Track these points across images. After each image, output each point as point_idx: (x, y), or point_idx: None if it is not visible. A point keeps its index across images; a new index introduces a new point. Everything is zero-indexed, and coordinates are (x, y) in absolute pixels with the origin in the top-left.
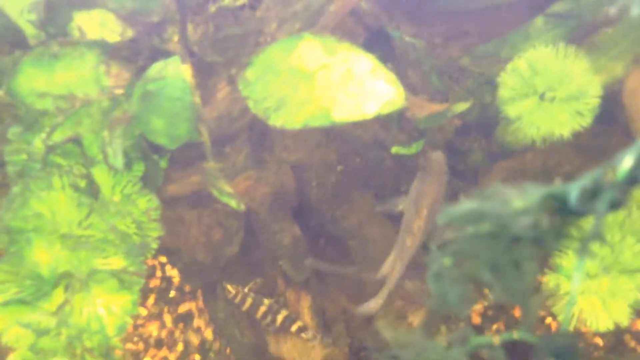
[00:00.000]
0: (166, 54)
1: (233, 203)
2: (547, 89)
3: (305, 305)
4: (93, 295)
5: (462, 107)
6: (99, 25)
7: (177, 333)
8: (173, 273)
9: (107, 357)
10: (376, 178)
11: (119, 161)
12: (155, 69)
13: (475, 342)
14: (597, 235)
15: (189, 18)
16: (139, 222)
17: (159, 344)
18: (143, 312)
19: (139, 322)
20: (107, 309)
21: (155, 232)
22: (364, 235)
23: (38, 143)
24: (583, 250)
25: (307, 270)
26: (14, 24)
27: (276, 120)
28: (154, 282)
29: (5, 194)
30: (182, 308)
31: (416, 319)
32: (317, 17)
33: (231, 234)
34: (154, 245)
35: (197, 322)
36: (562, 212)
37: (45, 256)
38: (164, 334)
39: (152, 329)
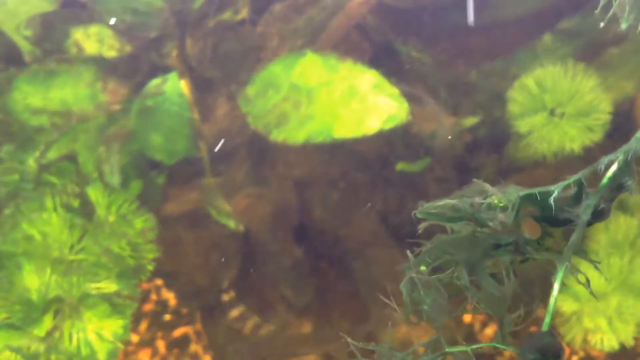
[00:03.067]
0: (165, 70)
1: (231, 223)
2: (557, 105)
3: (306, 330)
4: (84, 321)
5: (471, 121)
6: (96, 41)
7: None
8: (169, 296)
9: None
10: (380, 196)
11: (115, 179)
12: (154, 84)
13: (449, 351)
14: (579, 245)
15: (187, 33)
16: (134, 244)
17: None
18: (134, 338)
19: (130, 349)
20: (97, 335)
21: (151, 253)
22: (368, 257)
23: (31, 162)
24: (565, 261)
25: (309, 295)
26: (10, 39)
27: (277, 136)
28: (148, 307)
29: None
30: (178, 332)
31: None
32: (320, 32)
33: (230, 257)
34: (150, 267)
35: (195, 347)
36: (546, 220)
37: (35, 281)
38: None
39: (143, 357)
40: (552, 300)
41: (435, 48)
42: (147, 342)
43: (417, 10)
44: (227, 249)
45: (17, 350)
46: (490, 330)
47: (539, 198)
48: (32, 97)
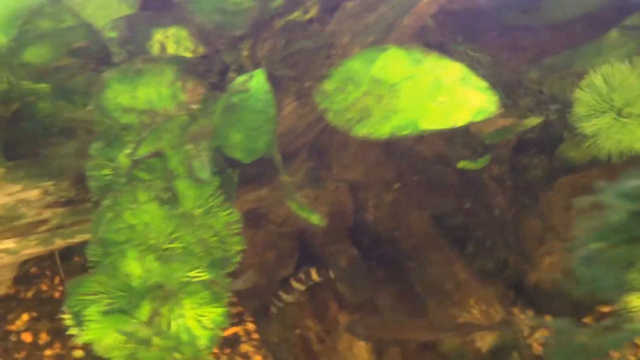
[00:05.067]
0: (239, 69)
1: (314, 218)
2: (625, 104)
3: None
4: (183, 307)
5: (533, 121)
6: (174, 42)
7: (223, 359)
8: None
9: None
10: (436, 195)
11: (206, 173)
12: (239, 81)
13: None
14: None
15: (258, 32)
16: (221, 236)
17: None
18: None
19: None
20: (197, 321)
21: (237, 246)
22: (423, 257)
23: (122, 158)
24: None
25: (366, 293)
26: (102, 40)
27: (360, 131)
28: None
29: (78, 210)
30: (228, 332)
31: (485, 344)
32: (390, 30)
33: (285, 256)
34: (236, 260)
35: (245, 347)
36: None
37: (137, 268)
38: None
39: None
40: None
41: (488, 48)
42: None
43: (467, 12)
44: (283, 248)
45: (129, 335)
46: (538, 334)
47: None
48: (122, 96)
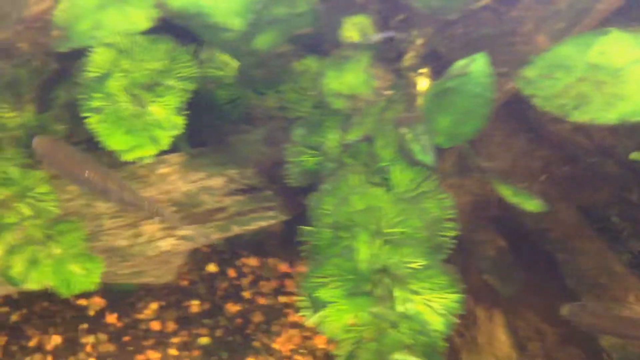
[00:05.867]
0: (416, 58)
1: (531, 204)
2: None
3: (498, 323)
4: (412, 292)
5: None
6: (358, 30)
7: None
8: None
9: (431, 357)
10: (588, 186)
11: (429, 157)
12: (459, 65)
13: None
14: None
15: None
16: (435, 221)
17: (327, 358)
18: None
19: (307, 334)
20: (428, 307)
21: (450, 231)
22: (573, 248)
23: (330, 143)
24: None
25: (518, 284)
26: (323, 27)
27: (579, 117)
28: None
29: (257, 198)
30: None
31: None
32: (583, 16)
33: None
34: (449, 245)
35: None
36: None
37: (366, 251)
38: (332, 348)
39: (319, 342)
40: None
41: None
42: None
43: None
44: None
45: (380, 317)
46: None
47: None
48: (333, 82)
